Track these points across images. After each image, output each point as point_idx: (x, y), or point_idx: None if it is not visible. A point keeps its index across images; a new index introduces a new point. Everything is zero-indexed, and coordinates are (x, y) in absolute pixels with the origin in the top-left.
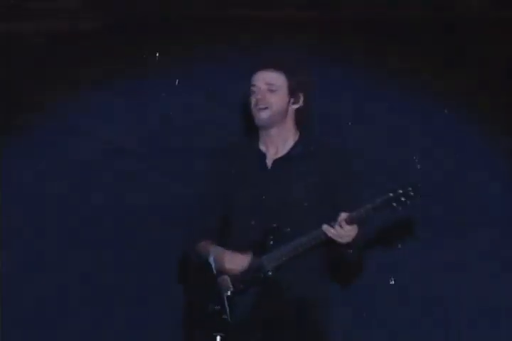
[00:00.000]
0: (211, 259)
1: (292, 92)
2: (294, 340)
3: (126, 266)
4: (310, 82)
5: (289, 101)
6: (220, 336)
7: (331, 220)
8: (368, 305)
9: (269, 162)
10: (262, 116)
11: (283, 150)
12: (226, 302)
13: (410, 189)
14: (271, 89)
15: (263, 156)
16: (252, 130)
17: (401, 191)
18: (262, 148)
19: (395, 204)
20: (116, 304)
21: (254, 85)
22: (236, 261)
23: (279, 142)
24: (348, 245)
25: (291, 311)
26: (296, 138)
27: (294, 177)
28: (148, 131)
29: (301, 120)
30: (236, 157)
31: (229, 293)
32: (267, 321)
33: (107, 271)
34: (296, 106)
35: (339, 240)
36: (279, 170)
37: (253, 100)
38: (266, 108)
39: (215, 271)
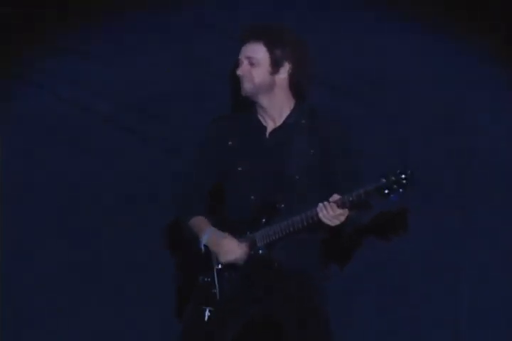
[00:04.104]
0: (204, 241)
1: (275, 63)
2: (286, 316)
3: (116, 236)
4: (299, 50)
5: (273, 72)
6: (209, 310)
7: (327, 196)
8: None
9: (267, 134)
10: (245, 88)
11: (279, 120)
12: (216, 275)
13: (403, 176)
14: (251, 63)
15: (263, 128)
16: (248, 101)
17: (393, 178)
18: (261, 119)
19: (386, 192)
20: (106, 277)
21: (238, 59)
22: (232, 254)
23: (274, 113)
24: (335, 228)
25: (283, 286)
26: (292, 107)
27: (291, 149)
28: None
29: (295, 87)
30: (235, 128)
31: (219, 266)
32: (258, 297)
33: (96, 243)
34: (282, 76)
35: (328, 222)
36: (276, 142)
37: (237, 71)
38: (248, 81)
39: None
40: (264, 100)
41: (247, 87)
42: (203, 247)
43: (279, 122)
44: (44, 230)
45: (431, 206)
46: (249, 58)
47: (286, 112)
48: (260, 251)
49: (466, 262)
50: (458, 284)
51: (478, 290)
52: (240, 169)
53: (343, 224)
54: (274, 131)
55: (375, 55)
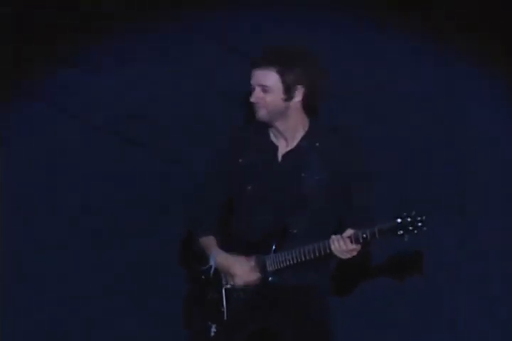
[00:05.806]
0: (212, 263)
1: (288, 89)
2: (289, 330)
3: (125, 250)
4: (312, 71)
5: (286, 98)
6: (215, 327)
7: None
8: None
9: (279, 155)
10: (260, 115)
11: (292, 142)
12: (224, 294)
13: (418, 219)
14: (264, 90)
15: (275, 149)
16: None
17: (409, 219)
18: (274, 140)
19: (401, 232)
20: (114, 287)
21: (250, 84)
22: (246, 278)
23: (288, 134)
24: (346, 261)
25: (288, 301)
26: (306, 128)
27: (303, 172)
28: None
29: (310, 109)
30: (247, 145)
31: (228, 286)
32: (265, 313)
33: (103, 253)
34: (296, 100)
35: (339, 255)
36: (288, 164)
37: (251, 99)
38: (262, 108)
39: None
40: (279, 124)
41: (261, 113)
42: (212, 265)
43: (293, 143)
44: (43, 237)
45: (430, 206)
46: (261, 86)
47: (300, 133)
48: (270, 278)
49: (466, 262)
50: (457, 285)
51: (478, 290)
52: (249, 188)
53: (354, 258)
54: (287, 153)
55: (374, 58)
